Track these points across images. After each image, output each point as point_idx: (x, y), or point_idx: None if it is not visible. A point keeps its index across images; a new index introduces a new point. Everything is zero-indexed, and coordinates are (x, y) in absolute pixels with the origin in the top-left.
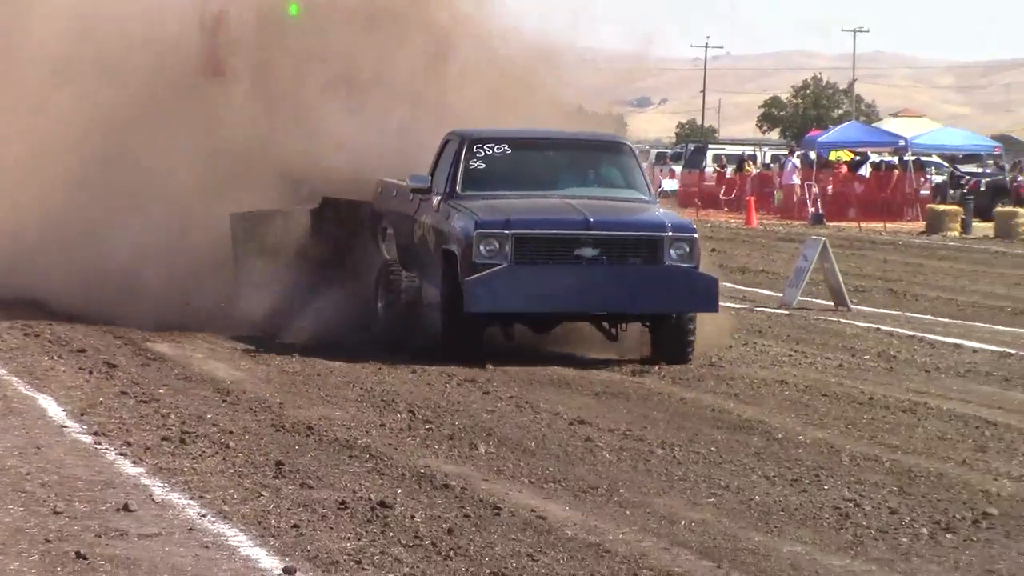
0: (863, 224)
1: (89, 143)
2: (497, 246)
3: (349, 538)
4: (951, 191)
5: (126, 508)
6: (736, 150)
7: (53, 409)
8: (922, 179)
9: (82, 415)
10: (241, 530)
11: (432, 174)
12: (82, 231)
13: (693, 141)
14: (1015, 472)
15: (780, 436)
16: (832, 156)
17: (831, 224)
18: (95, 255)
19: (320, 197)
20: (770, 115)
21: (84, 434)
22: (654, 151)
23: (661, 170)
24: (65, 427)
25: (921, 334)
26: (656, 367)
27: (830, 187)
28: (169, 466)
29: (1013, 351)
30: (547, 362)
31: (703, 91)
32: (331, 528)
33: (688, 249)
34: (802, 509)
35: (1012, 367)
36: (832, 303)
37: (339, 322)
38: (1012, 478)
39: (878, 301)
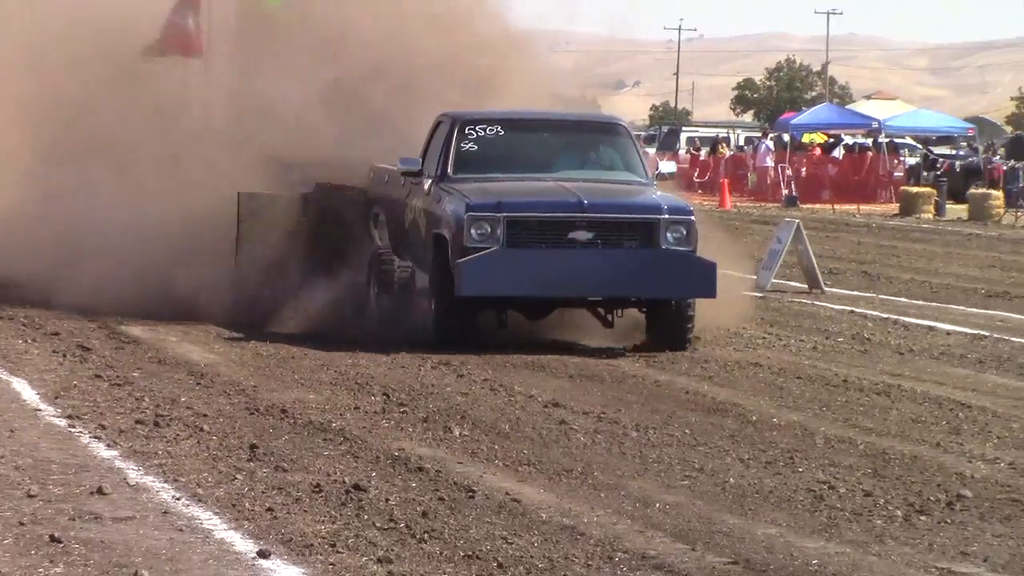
0: (837, 206)
1: (58, 125)
2: (489, 229)
3: (323, 521)
4: (925, 173)
5: (100, 491)
6: (710, 132)
7: (27, 392)
8: (896, 161)
9: (56, 398)
10: (215, 513)
11: (423, 157)
12: (54, 215)
13: (667, 123)
14: (989, 454)
15: (754, 419)
16: (806, 138)
17: (805, 206)
18: (68, 238)
19: (311, 182)
20: (744, 97)
21: (58, 417)
22: None
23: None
24: (39, 410)
25: (895, 316)
26: (630, 351)
27: (804, 169)
28: (143, 449)
29: (987, 333)
30: (521, 344)
31: (676, 74)
32: (305, 511)
33: (685, 232)
34: (776, 491)
35: (986, 349)
36: (806, 285)
37: (331, 309)
38: (986, 460)
39: (852, 283)
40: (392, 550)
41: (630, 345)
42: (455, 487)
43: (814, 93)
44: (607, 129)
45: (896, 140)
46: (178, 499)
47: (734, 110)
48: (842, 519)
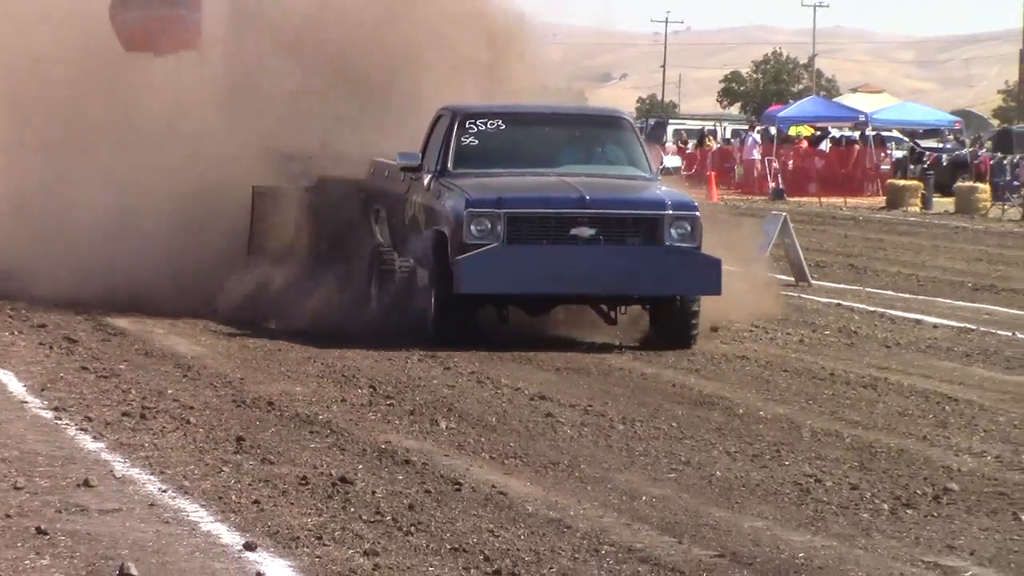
0: (824, 199)
1: (47, 118)
2: (489, 226)
3: (310, 514)
4: (911, 166)
5: (87, 484)
6: (696, 125)
7: (13, 384)
8: (882, 154)
9: (42, 390)
10: (202, 506)
11: (423, 151)
12: (40, 207)
13: (654, 116)
14: (976, 448)
15: (741, 412)
16: (792, 131)
17: (792, 199)
18: (57, 231)
19: (312, 175)
20: (730, 90)
21: (45, 409)
22: None
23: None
24: (25, 402)
25: (882, 309)
26: (618, 346)
27: (791, 162)
28: (130, 441)
29: (973, 326)
30: (519, 340)
31: (663, 66)
32: (292, 504)
33: (690, 228)
34: (763, 485)
35: (972, 342)
36: (793, 278)
37: (331, 306)
38: (973, 454)
39: (839, 276)
40: (379, 543)
41: (632, 341)
42: (442, 480)
43: (801, 86)
44: (610, 123)
45: (883, 133)
46: (164, 491)
47: (721, 103)
48: (828, 512)
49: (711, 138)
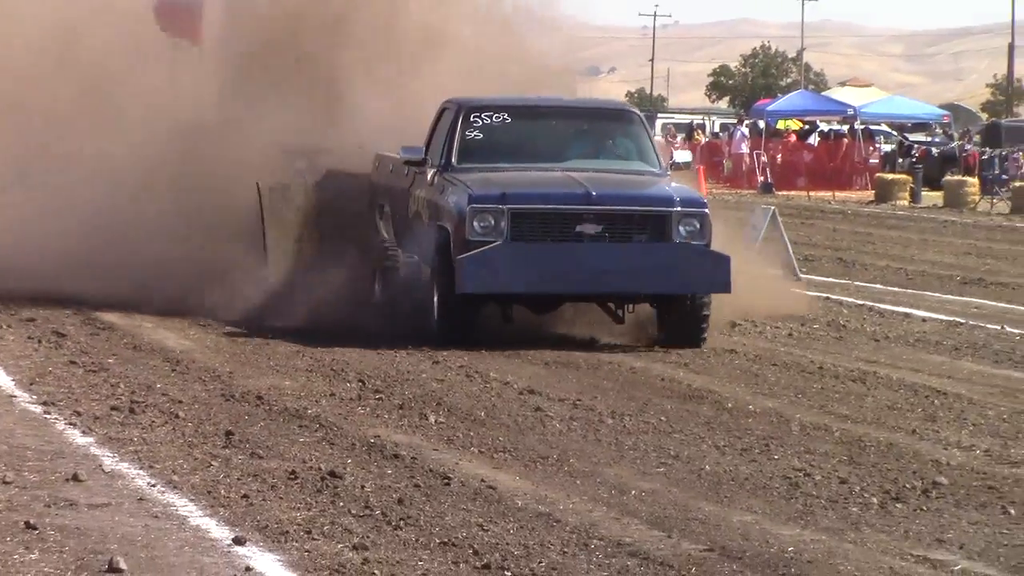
0: (812, 193)
1: (43, 111)
2: (492, 222)
3: (299, 508)
4: (900, 160)
5: (76, 478)
6: (685, 119)
7: (2, 378)
8: (871, 148)
9: (31, 385)
10: (191, 500)
11: (427, 145)
12: (38, 203)
13: (642, 110)
14: (965, 441)
15: (730, 406)
16: (781, 125)
17: (780, 193)
18: (53, 227)
19: (318, 170)
20: (719, 84)
21: (33, 404)
22: None
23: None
24: (14, 397)
25: (870, 303)
26: (604, 341)
27: (779, 156)
28: (119, 436)
29: (962, 320)
30: (497, 332)
31: (652, 60)
32: (281, 498)
33: (699, 225)
34: (752, 479)
35: (961, 336)
36: (781, 272)
37: (335, 304)
38: (962, 447)
39: (827, 270)
40: (368, 537)
41: (641, 341)
42: (431, 474)
43: (789, 80)
44: (619, 117)
45: (871, 127)
46: (153, 486)
47: (709, 96)
48: (818, 506)
49: (700, 132)
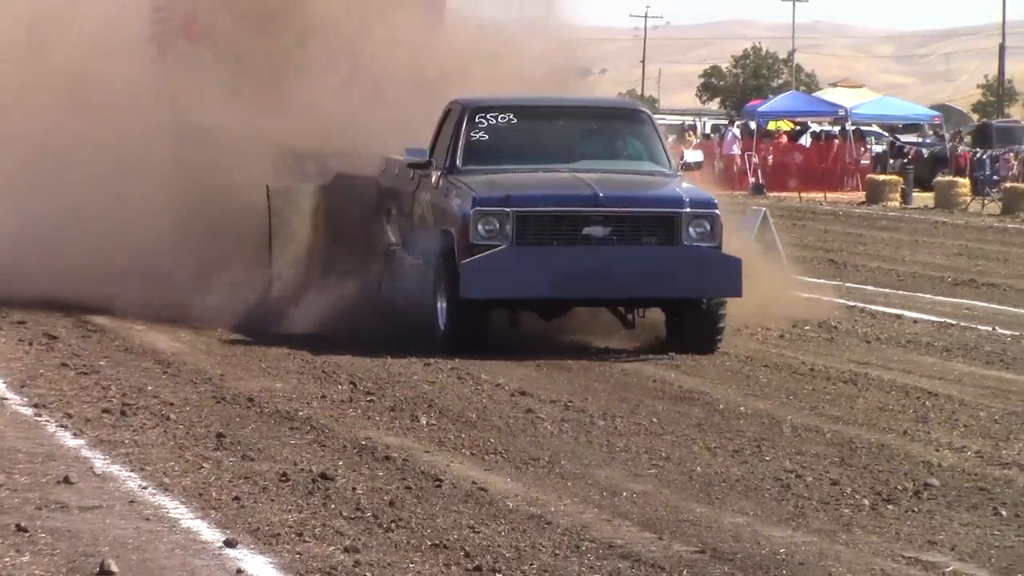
0: (803, 194)
1: (39, 113)
2: (497, 225)
3: (290, 510)
4: (891, 161)
5: (67, 480)
6: (676, 120)
7: None
8: (862, 149)
9: (22, 387)
10: (182, 502)
11: (432, 147)
12: (37, 208)
13: None
14: (956, 443)
15: (721, 407)
16: (772, 126)
17: (771, 194)
18: (49, 232)
19: (327, 173)
20: (710, 85)
21: (24, 406)
22: None
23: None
24: (5, 399)
25: (862, 304)
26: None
27: (770, 157)
28: (110, 438)
29: (953, 321)
30: (503, 338)
31: (643, 61)
32: (272, 500)
33: (709, 227)
34: (743, 480)
35: (952, 337)
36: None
37: (342, 309)
38: (953, 449)
39: (819, 271)
40: (359, 539)
41: (653, 347)
42: (422, 476)
43: (780, 81)
44: (628, 116)
45: (862, 128)
46: (144, 488)
47: (700, 98)
48: (809, 508)
49: (691, 133)
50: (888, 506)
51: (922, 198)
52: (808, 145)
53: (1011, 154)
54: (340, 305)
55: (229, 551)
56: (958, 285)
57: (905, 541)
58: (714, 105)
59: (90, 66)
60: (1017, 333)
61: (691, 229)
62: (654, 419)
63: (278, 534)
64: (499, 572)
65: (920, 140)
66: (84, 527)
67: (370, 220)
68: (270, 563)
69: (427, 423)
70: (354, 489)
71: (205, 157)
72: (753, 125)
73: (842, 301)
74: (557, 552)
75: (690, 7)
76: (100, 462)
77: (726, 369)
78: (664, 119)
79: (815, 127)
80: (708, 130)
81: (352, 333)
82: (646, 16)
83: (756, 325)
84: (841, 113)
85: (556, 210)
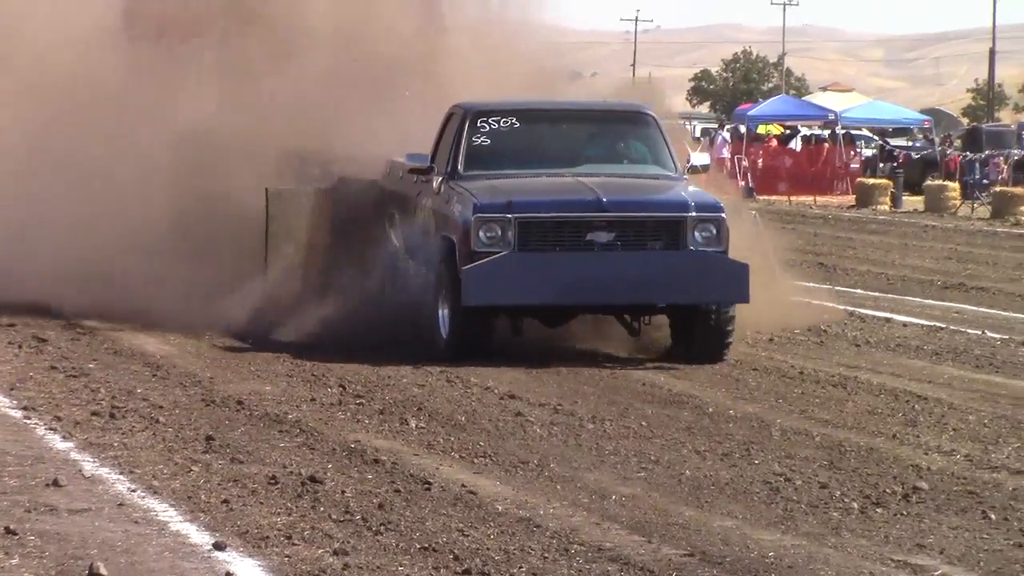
0: (793, 198)
1: (28, 116)
2: (499, 232)
3: (279, 513)
4: (881, 165)
5: (56, 483)
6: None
7: None
8: (852, 153)
9: (11, 390)
10: (171, 505)
11: (434, 152)
12: (29, 212)
13: None
14: (945, 446)
15: (711, 410)
16: (762, 129)
17: (761, 198)
18: (44, 237)
19: (331, 178)
20: (700, 89)
21: (14, 409)
22: None
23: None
24: None
25: (851, 308)
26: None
27: (760, 161)
28: (99, 441)
29: (943, 325)
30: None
31: (633, 65)
32: (261, 503)
33: (715, 232)
34: (733, 484)
35: (942, 341)
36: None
37: (344, 315)
38: (942, 452)
39: (808, 275)
40: (348, 542)
41: (656, 355)
42: (411, 479)
43: (771, 85)
44: (632, 119)
45: (852, 132)
46: (134, 491)
47: (690, 101)
48: (798, 511)
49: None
50: (877, 509)
51: (912, 202)
52: (798, 149)
53: (1001, 158)
54: (339, 310)
55: (218, 554)
56: (948, 289)
57: (894, 544)
58: (704, 109)
59: (80, 67)
60: (1006, 337)
61: (697, 234)
62: (643, 422)
63: (267, 537)
64: (488, 575)
65: (910, 144)
66: (73, 530)
67: (372, 224)
68: (259, 566)
69: (416, 426)
70: (343, 492)
71: (203, 160)
72: (743, 129)
73: (832, 304)
74: (546, 555)
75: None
76: (89, 465)
77: (715, 372)
78: None
79: (805, 131)
80: (698, 134)
81: (351, 339)
82: (636, 20)
83: (751, 329)
84: (831, 117)
85: (559, 216)
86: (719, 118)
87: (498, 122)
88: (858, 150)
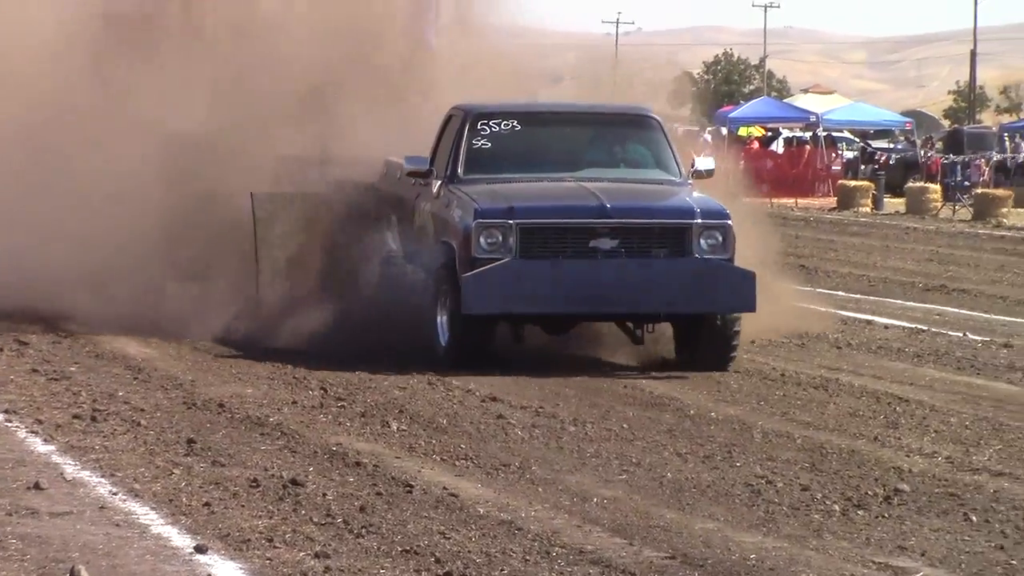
0: (775, 200)
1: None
2: (500, 238)
3: (261, 516)
4: (862, 167)
5: (37, 486)
6: None
7: None
8: (833, 155)
9: None
10: (152, 508)
11: (433, 155)
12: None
13: None
14: (926, 448)
15: (692, 413)
16: (743, 132)
17: (743, 200)
18: (34, 243)
19: (329, 181)
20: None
21: None
22: None
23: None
24: None
25: (833, 310)
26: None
27: (742, 163)
28: (80, 444)
29: (924, 327)
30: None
31: (614, 67)
32: (243, 506)
33: (721, 239)
34: (714, 486)
35: (923, 343)
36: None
37: (339, 322)
38: (923, 454)
39: (790, 277)
40: (329, 545)
41: (661, 364)
42: (393, 482)
43: (752, 87)
44: (636, 122)
45: (834, 134)
46: (115, 494)
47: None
48: (780, 513)
49: None
50: (858, 512)
51: (893, 204)
52: (780, 151)
53: (982, 160)
54: (333, 316)
55: (199, 557)
56: (929, 291)
57: (875, 546)
58: (685, 111)
59: (60, 70)
60: (987, 339)
61: (702, 240)
62: (625, 425)
63: (248, 540)
64: None
65: (891, 146)
66: (54, 533)
67: (368, 227)
68: (240, 569)
69: (398, 429)
70: (324, 495)
71: (195, 165)
72: (725, 131)
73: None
74: (527, 558)
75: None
76: (70, 468)
77: (696, 374)
78: None
79: (786, 133)
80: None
81: (345, 346)
82: (617, 22)
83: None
84: (812, 119)
85: (561, 222)
86: (700, 120)
87: (499, 125)
88: (840, 152)
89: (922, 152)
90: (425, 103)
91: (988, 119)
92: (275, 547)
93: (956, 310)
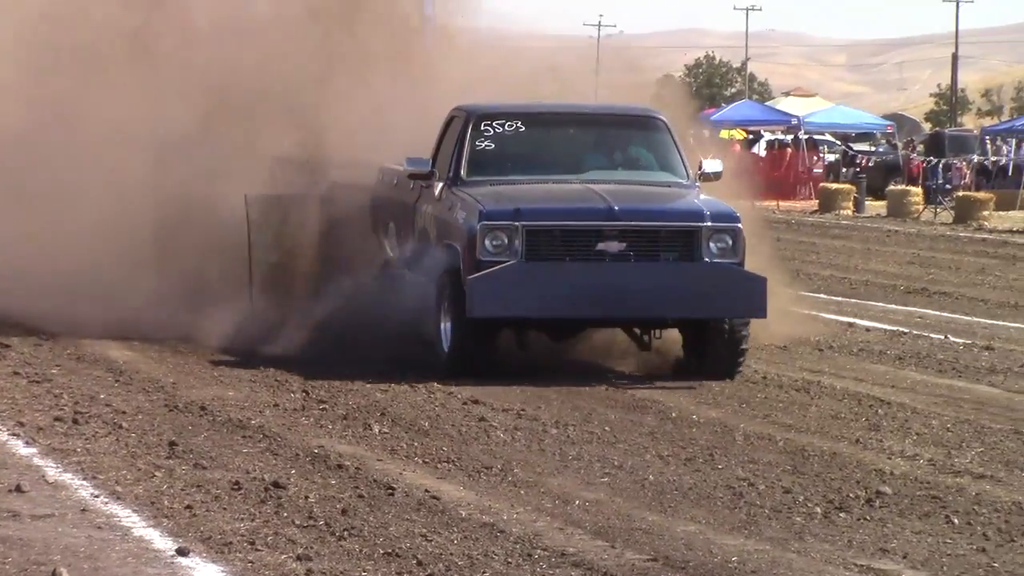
0: (756, 203)
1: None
2: (505, 241)
3: (243, 518)
4: (844, 169)
5: (18, 489)
6: None
7: None
8: (815, 158)
9: None
10: (134, 511)
11: (434, 156)
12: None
13: None
14: (908, 451)
15: (674, 415)
16: (725, 134)
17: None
18: (25, 249)
19: (323, 183)
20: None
21: None
22: None
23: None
24: None
25: (814, 312)
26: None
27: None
28: (62, 447)
29: (906, 329)
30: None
31: (596, 71)
32: (224, 509)
33: (731, 242)
34: (696, 488)
35: (905, 345)
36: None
37: (334, 328)
38: (905, 457)
39: (771, 280)
40: (311, 548)
41: (668, 368)
42: (374, 484)
43: (734, 89)
44: (643, 123)
45: (815, 137)
46: (97, 497)
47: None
48: (761, 516)
49: None
50: (840, 514)
51: (875, 207)
52: (762, 154)
53: (963, 163)
54: (328, 322)
55: (181, 559)
56: (910, 293)
57: (857, 549)
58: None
59: (59, 74)
60: (969, 341)
61: (712, 244)
62: (607, 427)
63: (230, 542)
64: None
65: (873, 149)
66: (36, 535)
67: (364, 232)
68: (222, 571)
69: (380, 431)
70: (306, 497)
71: (190, 168)
72: (707, 133)
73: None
74: (509, 560)
75: (644, 16)
76: (52, 470)
77: (679, 377)
78: None
79: (768, 136)
80: None
81: (340, 353)
82: (599, 25)
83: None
84: (794, 122)
85: (568, 224)
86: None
87: (502, 126)
88: (821, 155)
89: (903, 155)
90: (410, 104)
91: (969, 122)
92: (257, 549)
93: (937, 313)
